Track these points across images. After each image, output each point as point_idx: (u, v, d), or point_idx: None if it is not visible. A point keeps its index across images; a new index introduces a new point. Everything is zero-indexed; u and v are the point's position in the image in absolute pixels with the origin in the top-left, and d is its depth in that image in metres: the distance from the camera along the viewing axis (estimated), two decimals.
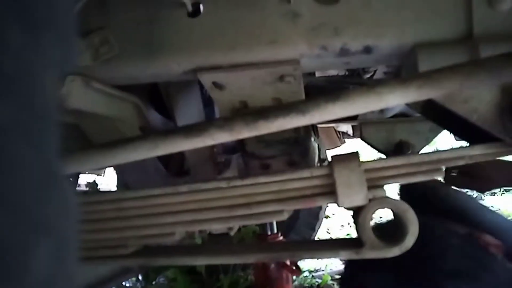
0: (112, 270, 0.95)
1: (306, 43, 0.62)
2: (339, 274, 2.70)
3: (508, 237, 0.85)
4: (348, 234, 3.67)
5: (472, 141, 0.57)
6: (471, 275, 0.65)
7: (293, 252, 0.60)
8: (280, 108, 0.50)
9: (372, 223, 0.55)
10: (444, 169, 0.55)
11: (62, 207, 0.20)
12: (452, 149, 0.55)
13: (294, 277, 2.43)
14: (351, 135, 2.55)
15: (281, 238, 2.05)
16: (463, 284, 0.64)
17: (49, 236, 0.18)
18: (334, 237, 3.41)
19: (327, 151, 2.41)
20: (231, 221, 0.58)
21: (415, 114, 1.53)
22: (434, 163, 0.54)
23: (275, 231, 2.14)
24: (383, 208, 0.55)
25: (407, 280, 0.69)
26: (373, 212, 0.54)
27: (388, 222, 0.93)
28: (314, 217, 2.31)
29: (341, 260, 3.01)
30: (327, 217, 4.01)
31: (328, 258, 0.54)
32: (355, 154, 0.56)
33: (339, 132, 2.58)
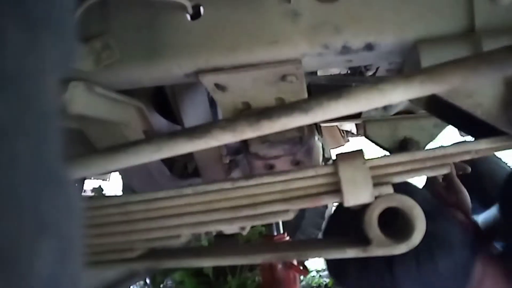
0: (119, 275, 0.95)
1: (307, 42, 0.62)
2: None
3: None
4: None
5: (477, 136, 0.56)
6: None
7: (300, 252, 0.60)
8: (283, 107, 0.50)
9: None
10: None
11: (65, 207, 0.20)
12: (457, 144, 0.55)
13: (302, 277, 2.42)
14: (355, 133, 2.55)
15: (287, 238, 2.05)
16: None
17: (53, 236, 0.18)
18: None
19: (331, 150, 2.40)
20: (237, 222, 0.58)
21: (419, 110, 1.52)
22: (440, 158, 0.54)
23: (282, 231, 2.14)
24: (390, 205, 0.54)
25: None
26: (380, 210, 0.54)
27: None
28: (320, 216, 2.31)
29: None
30: None
31: (335, 257, 0.54)
32: (360, 152, 0.56)
33: (342, 131, 2.58)
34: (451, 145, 0.55)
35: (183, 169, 1.25)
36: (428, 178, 0.99)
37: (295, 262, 2.04)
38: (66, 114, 0.66)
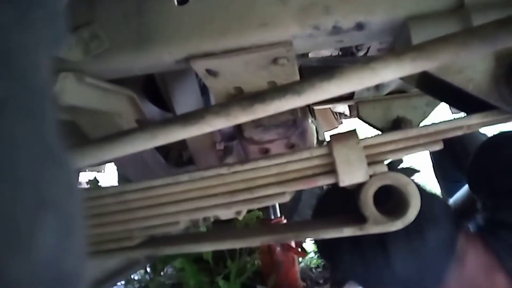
0: (120, 264, 0.96)
1: (297, 24, 0.62)
2: None
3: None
4: None
5: (469, 111, 0.57)
6: None
7: (297, 232, 0.61)
8: (276, 90, 0.50)
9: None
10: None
11: (64, 182, 0.20)
12: (449, 120, 0.55)
13: (300, 259, 2.46)
14: (348, 115, 2.56)
15: (284, 221, 2.06)
16: None
17: (53, 210, 0.18)
18: None
19: (325, 132, 2.41)
20: (234, 206, 0.58)
21: (411, 89, 1.53)
22: (432, 135, 0.54)
23: (279, 215, 2.15)
24: (384, 183, 0.55)
25: None
26: (375, 188, 0.55)
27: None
28: (316, 198, 2.33)
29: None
30: None
31: (332, 236, 0.55)
32: (353, 132, 0.56)
33: (336, 113, 2.58)
34: (444, 121, 0.56)
35: (178, 157, 1.25)
36: None
37: (293, 244, 2.07)
38: (58, 105, 0.65)
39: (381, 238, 0.70)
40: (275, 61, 0.65)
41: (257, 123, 0.84)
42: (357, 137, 0.55)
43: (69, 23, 0.62)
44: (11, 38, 0.18)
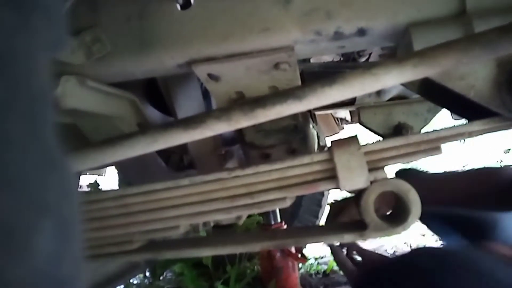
0: (119, 268, 0.96)
1: (299, 29, 0.62)
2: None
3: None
4: None
5: (471, 118, 0.57)
6: None
7: (298, 238, 0.60)
8: (277, 95, 0.50)
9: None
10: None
11: (62, 186, 0.20)
12: (450, 127, 0.55)
13: (300, 265, 2.45)
14: (350, 121, 2.55)
15: (285, 227, 2.06)
16: None
17: (52, 215, 0.18)
18: None
19: (326, 138, 2.41)
20: (234, 211, 0.58)
21: (412, 95, 1.53)
22: (433, 141, 0.54)
23: (279, 220, 2.15)
24: (385, 189, 0.55)
25: None
26: (375, 194, 0.55)
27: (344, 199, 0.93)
28: (317, 204, 2.32)
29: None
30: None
31: (333, 242, 0.54)
32: (354, 138, 0.56)
33: (337, 118, 2.58)
34: (445, 128, 0.56)
35: (179, 161, 1.25)
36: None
37: (293, 250, 2.06)
38: (59, 109, 0.65)
39: None
40: (276, 66, 0.66)
41: (258, 128, 0.84)
42: (358, 143, 0.55)
43: (72, 27, 0.63)
44: (12, 41, 0.18)
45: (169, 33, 0.64)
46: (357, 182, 0.54)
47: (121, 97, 0.82)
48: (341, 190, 0.55)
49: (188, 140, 0.52)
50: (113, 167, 1.56)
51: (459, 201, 0.74)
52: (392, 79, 0.46)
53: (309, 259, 2.52)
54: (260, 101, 0.49)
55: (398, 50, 0.67)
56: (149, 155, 1.01)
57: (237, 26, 0.63)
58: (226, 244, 0.62)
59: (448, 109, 0.79)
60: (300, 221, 2.26)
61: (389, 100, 1.56)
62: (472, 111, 0.57)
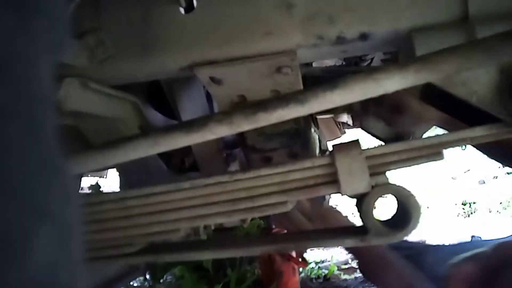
0: (120, 270, 0.96)
1: (301, 33, 0.62)
2: (344, 264, 2.71)
3: None
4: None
5: (473, 124, 0.57)
6: None
7: (299, 242, 0.60)
8: (279, 99, 0.50)
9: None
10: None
11: (62, 192, 0.20)
12: (452, 132, 0.55)
13: (301, 269, 2.44)
14: (351, 125, 2.55)
15: (285, 231, 2.05)
16: None
17: (50, 221, 0.18)
18: None
19: (328, 142, 2.41)
20: (235, 214, 0.58)
21: None
22: (435, 146, 0.54)
23: None
24: (386, 194, 0.55)
25: None
26: (377, 199, 0.54)
27: None
28: None
29: (346, 249, 3.02)
30: None
31: (334, 246, 0.54)
32: (356, 142, 0.56)
33: (339, 122, 2.58)
34: (447, 133, 0.55)
35: (181, 164, 1.25)
36: None
37: (294, 254, 2.05)
38: (61, 111, 0.66)
39: None
40: (278, 70, 0.66)
41: (260, 132, 0.84)
42: (360, 148, 0.55)
43: (75, 30, 0.63)
44: (14, 45, 0.18)
45: (172, 37, 0.64)
46: (358, 186, 0.54)
47: (124, 99, 0.82)
48: (342, 194, 0.55)
49: (190, 143, 0.52)
50: (114, 169, 1.56)
51: None
52: (394, 84, 0.46)
53: (310, 263, 2.51)
54: (261, 105, 0.49)
55: (400, 55, 0.67)
56: (150, 158, 1.01)
57: (240, 30, 0.63)
58: (226, 247, 0.62)
59: (450, 114, 0.79)
60: None
61: None
62: (474, 117, 0.57)
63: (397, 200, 0.56)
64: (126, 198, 0.61)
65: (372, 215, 0.55)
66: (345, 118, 2.44)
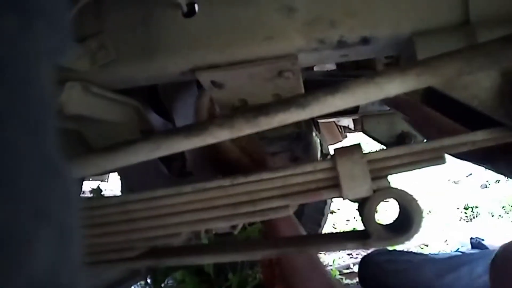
0: (120, 274, 0.95)
1: (302, 38, 0.62)
2: (346, 269, 2.70)
3: None
4: (354, 229, 3.66)
5: (474, 128, 0.57)
6: None
7: (300, 246, 0.60)
8: (280, 103, 0.50)
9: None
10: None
11: (63, 195, 0.20)
12: (454, 136, 0.55)
13: None
14: (353, 129, 2.55)
15: None
16: None
17: (50, 224, 0.18)
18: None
19: (329, 146, 2.41)
20: (236, 218, 0.58)
21: None
22: (436, 150, 0.54)
23: None
24: (388, 198, 0.54)
25: None
26: (378, 203, 0.54)
27: None
28: (320, 212, 2.31)
29: (348, 254, 3.01)
30: (332, 212, 4.01)
31: (335, 251, 0.54)
32: (358, 146, 0.56)
33: (340, 126, 2.58)
34: (448, 137, 0.55)
35: (182, 168, 1.25)
36: None
37: None
38: (63, 114, 0.66)
39: None
40: (280, 74, 0.66)
41: (261, 136, 0.84)
42: (361, 152, 0.55)
43: (77, 34, 0.63)
44: (14, 47, 0.18)
45: (174, 41, 0.65)
46: (360, 190, 0.54)
47: (125, 103, 0.83)
48: (343, 198, 0.55)
49: (191, 147, 0.52)
50: (116, 173, 1.56)
51: None
52: (395, 88, 0.46)
53: None
54: (263, 109, 0.49)
55: (401, 59, 0.67)
56: (152, 162, 1.01)
57: (241, 34, 0.63)
58: (227, 251, 0.62)
59: (451, 118, 0.79)
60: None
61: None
62: (475, 120, 0.57)
63: (399, 204, 0.56)
64: (127, 202, 0.61)
65: (374, 219, 0.55)
66: (347, 122, 2.44)
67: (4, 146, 0.17)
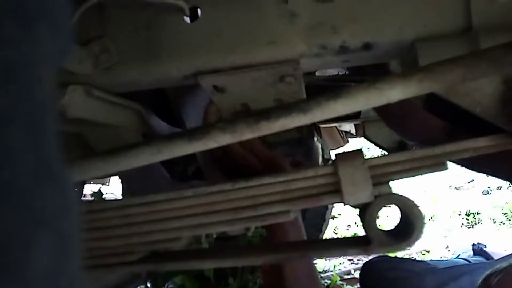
0: (120, 279, 0.95)
1: (305, 43, 0.62)
2: (347, 274, 2.69)
3: None
4: (355, 234, 3.65)
5: (477, 134, 0.56)
6: None
7: (301, 252, 0.60)
8: (282, 108, 0.50)
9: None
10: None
11: (63, 200, 0.20)
12: (456, 142, 0.55)
13: None
14: (354, 134, 2.55)
15: None
16: None
17: (50, 229, 0.18)
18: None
19: (331, 151, 2.41)
20: (237, 223, 0.58)
21: None
22: (438, 156, 0.54)
23: None
24: (389, 204, 0.54)
25: None
26: (380, 209, 0.54)
27: None
28: (321, 218, 2.31)
29: (349, 260, 3.00)
30: (333, 217, 4.00)
31: (337, 256, 0.54)
32: (359, 152, 0.56)
33: (342, 131, 2.58)
34: (450, 143, 0.55)
35: (183, 172, 1.25)
36: None
37: None
38: (65, 118, 0.66)
39: None
40: (281, 79, 0.66)
41: (263, 141, 0.84)
42: (363, 157, 0.55)
43: (80, 37, 0.63)
44: (14, 51, 0.18)
45: (176, 45, 0.65)
46: (361, 196, 0.54)
47: (127, 107, 0.83)
48: (345, 204, 0.55)
49: (193, 151, 0.52)
50: (117, 176, 1.56)
51: None
52: (397, 94, 0.46)
53: None
54: (264, 114, 0.49)
55: (403, 65, 0.67)
56: (153, 166, 1.01)
57: (243, 38, 0.63)
58: (228, 257, 0.62)
59: (454, 124, 0.79)
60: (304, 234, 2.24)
61: None
62: (478, 127, 0.57)
63: (400, 210, 0.56)
64: (128, 206, 0.61)
65: (375, 225, 0.54)
66: (348, 127, 2.44)
67: (2, 149, 0.16)
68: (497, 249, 2.19)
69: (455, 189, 5.23)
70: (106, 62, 0.65)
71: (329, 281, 2.56)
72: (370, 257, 1.88)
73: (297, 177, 0.57)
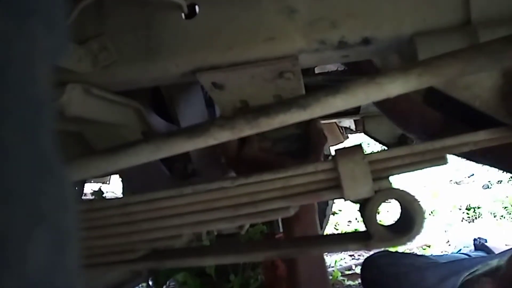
0: (121, 276, 0.95)
1: (303, 38, 0.62)
2: (348, 270, 2.69)
3: None
4: (356, 230, 3.66)
5: (476, 128, 0.56)
6: None
7: (302, 248, 0.60)
8: (281, 104, 0.50)
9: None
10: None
11: (58, 196, 0.20)
12: (456, 136, 0.55)
13: None
14: (354, 130, 2.55)
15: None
16: None
17: (47, 226, 0.18)
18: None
19: (331, 147, 2.41)
20: (237, 220, 0.58)
21: None
22: (438, 151, 0.54)
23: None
24: (390, 199, 0.54)
25: None
26: (380, 204, 0.54)
27: None
28: (321, 214, 2.31)
29: (350, 255, 3.01)
30: (334, 213, 4.01)
31: (337, 252, 0.54)
32: (359, 147, 0.56)
33: (341, 127, 2.58)
34: (450, 137, 0.55)
35: (183, 169, 1.25)
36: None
37: None
38: (64, 116, 0.66)
39: None
40: (280, 75, 0.66)
41: (262, 137, 0.84)
42: (363, 152, 0.55)
43: (79, 35, 0.63)
44: (9, 48, 0.18)
45: (175, 42, 0.65)
46: (361, 191, 0.54)
47: (126, 105, 0.83)
48: (345, 199, 0.55)
49: (192, 148, 0.52)
50: (117, 175, 1.56)
51: None
52: (396, 88, 0.46)
53: None
54: (263, 110, 0.49)
55: (402, 59, 0.67)
56: (153, 163, 1.01)
57: (242, 35, 0.63)
58: (229, 253, 0.62)
59: (453, 118, 0.79)
60: None
61: None
62: (478, 121, 0.57)
63: (400, 205, 0.56)
64: (128, 204, 0.61)
65: (376, 220, 0.54)
66: (348, 123, 2.43)
67: (0, 147, 0.16)
68: (498, 244, 2.19)
69: (455, 184, 5.24)
70: (105, 61, 0.65)
71: (330, 277, 2.56)
72: (371, 252, 1.88)
73: (297, 173, 0.57)
